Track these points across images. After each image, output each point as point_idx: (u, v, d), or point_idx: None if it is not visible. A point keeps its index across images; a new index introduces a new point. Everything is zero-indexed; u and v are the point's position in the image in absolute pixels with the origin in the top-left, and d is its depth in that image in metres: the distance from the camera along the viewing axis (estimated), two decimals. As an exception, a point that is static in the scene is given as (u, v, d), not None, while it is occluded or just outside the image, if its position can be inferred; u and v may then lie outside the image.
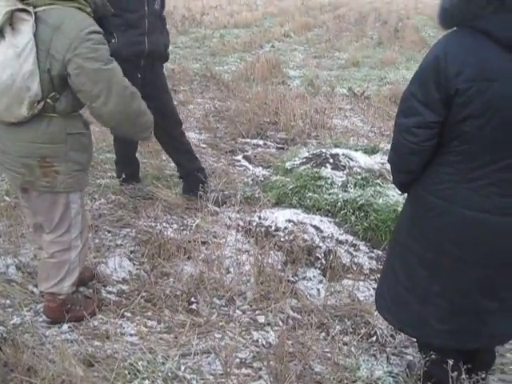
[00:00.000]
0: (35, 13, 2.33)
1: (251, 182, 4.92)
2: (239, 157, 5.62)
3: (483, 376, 2.19)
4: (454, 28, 2.00)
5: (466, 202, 2.01)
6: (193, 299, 3.15)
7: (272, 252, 3.57)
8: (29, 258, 3.51)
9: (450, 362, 2.11)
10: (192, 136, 6.02)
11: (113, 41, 3.62)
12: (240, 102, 7.23)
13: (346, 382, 2.57)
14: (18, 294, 3.16)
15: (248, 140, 6.10)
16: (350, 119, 7.29)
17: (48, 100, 2.43)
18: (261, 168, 5.32)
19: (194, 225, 3.97)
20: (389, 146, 5.64)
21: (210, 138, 6.16)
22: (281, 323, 3.04)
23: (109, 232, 3.94)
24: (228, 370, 2.54)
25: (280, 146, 6.02)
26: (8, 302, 3.10)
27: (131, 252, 3.71)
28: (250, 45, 12.30)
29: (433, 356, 2.27)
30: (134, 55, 3.81)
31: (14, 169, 2.62)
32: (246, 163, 5.45)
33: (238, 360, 2.73)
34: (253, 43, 12.44)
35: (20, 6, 2.31)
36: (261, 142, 6.06)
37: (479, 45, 1.87)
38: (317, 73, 9.80)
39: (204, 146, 5.88)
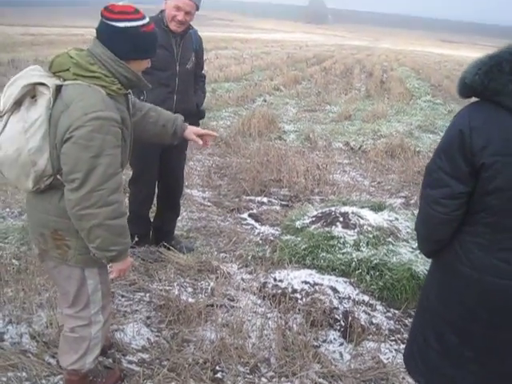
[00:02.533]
0: (60, 87, 2.34)
1: (261, 242, 4.91)
2: (245, 215, 5.63)
3: None
4: (474, 98, 2.05)
5: (496, 271, 2.04)
6: (217, 367, 3.10)
7: (292, 316, 3.56)
8: (43, 326, 3.44)
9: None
10: (196, 194, 6.05)
11: (141, 98, 3.68)
12: (240, 158, 7.30)
13: None
14: (35, 365, 3.07)
15: (252, 197, 6.13)
16: (350, 174, 7.39)
17: (58, 176, 2.37)
18: (268, 226, 5.33)
19: (209, 288, 3.94)
20: (392, 202, 5.76)
21: (214, 195, 6.18)
22: (308, 390, 3.01)
23: (123, 297, 3.89)
24: None
25: (284, 203, 6.06)
26: (24, 374, 3.00)
27: (147, 318, 3.65)
28: (243, 99, 12.48)
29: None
30: None
31: (33, 235, 2.62)
32: (252, 221, 5.46)
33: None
34: (245, 97, 12.62)
35: (42, 79, 2.31)
36: (265, 200, 6.09)
37: (502, 120, 1.92)
38: (311, 127, 9.93)
39: (209, 204, 5.89)
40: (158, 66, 3.77)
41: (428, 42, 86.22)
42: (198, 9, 3.96)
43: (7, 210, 5.19)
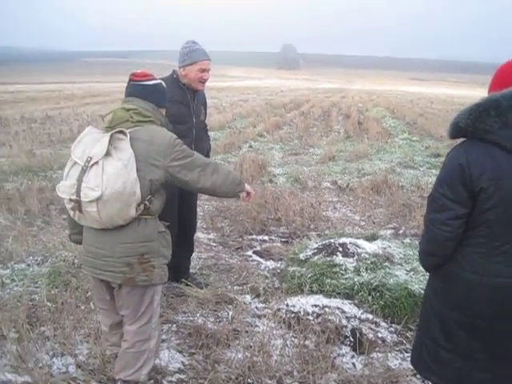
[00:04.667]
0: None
1: (268, 275, 5.39)
2: (250, 252, 6.12)
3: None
4: (463, 139, 2.60)
5: (495, 272, 2.55)
6: (248, 380, 3.54)
7: (307, 335, 4.01)
8: (86, 356, 3.83)
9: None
10: (201, 236, 6.51)
11: None
12: (238, 201, 7.79)
13: None
14: (85, 391, 3.47)
15: (254, 236, 6.63)
16: (341, 210, 7.95)
17: (146, 202, 2.96)
18: (272, 261, 5.81)
19: (229, 316, 4.39)
20: (382, 233, 6.25)
21: (219, 236, 6.66)
22: (329, 396, 3.45)
23: (152, 329, 4.31)
24: None
25: (284, 239, 6.56)
26: (76, 399, 3.41)
27: (178, 345, 4.07)
28: (230, 146, 13.07)
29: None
30: None
31: (114, 269, 3.04)
32: (257, 258, 5.94)
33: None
34: (232, 145, 13.21)
35: (117, 129, 2.90)
36: (266, 238, 6.59)
37: (491, 152, 2.46)
38: (299, 169, 10.52)
39: (214, 244, 6.37)
40: (177, 119, 4.38)
41: (398, 81, 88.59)
42: None
43: (30, 258, 5.57)
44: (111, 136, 2.85)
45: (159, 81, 3.22)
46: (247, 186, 3.48)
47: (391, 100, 34.14)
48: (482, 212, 2.49)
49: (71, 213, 3.01)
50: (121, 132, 2.89)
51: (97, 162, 2.82)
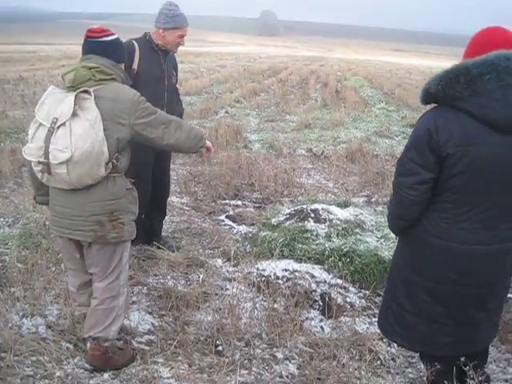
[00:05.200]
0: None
1: (240, 239, 5.41)
2: (222, 217, 6.13)
3: (483, 372, 2.73)
4: (434, 104, 2.61)
5: (460, 239, 2.59)
6: (217, 342, 3.58)
7: (277, 298, 4.06)
8: (56, 317, 3.83)
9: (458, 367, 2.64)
10: (174, 200, 6.49)
11: None
12: (212, 166, 7.80)
13: (363, 399, 3.04)
14: (54, 350, 3.46)
15: (227, 201, 6.64)
16: (315, 177, 7.98)
17: (113, 160, 2.97)
18: (245, 226, 5.83)
19: (199, 279, 4.41)
20: (355, 200, 6.32)
21: (192, 200, 6.66)
22: (296, 357, 3.51)
23: (123, 290, 4.32)
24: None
25: (257, 205, 6.59)
26: (46, 358, 3.39)
27: (148, 306, 4.09)
28: (206, 111, 12.97)
29: (437, 366, 2.78)
30: None
31: (84, 228, 3.06)
32: (230, 222, 5.96)
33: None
34: (208, 110, 13.11)
35: (81, 88, 2.86)
36: (239, 203, 6.61)
37: (459, 118, 2.48)
38: (274, 136, 10.49)
39: (187, 208, 6.37)
40: (150, 82, 4.34)
41: (379, 51, 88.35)
42: None
43: (1, 219, 5.51)
44: (76, 96, 2.83)
45: (116, 36, 3.18)
46: (207, 142, 3.56)
47: (370, 70, 34.02)
48: (448, 178, 2.52)
49: (39, 175, 3.00)
50: (85, 91, 2.87)
51: (64, 123, 2.80)
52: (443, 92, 2.49)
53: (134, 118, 2.99)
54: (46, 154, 2.83)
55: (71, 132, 2.79)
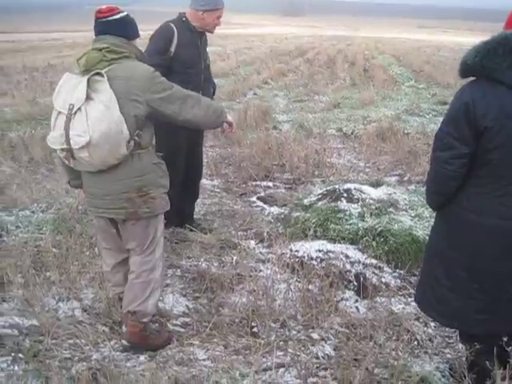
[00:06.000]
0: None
1: (272, 220, 5.39)
2: (254, 198, 6.11)
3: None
4: (472, 78, 2.54)
5: (498, 214, 2.54)
6: (253, 324, 3.57)
7: (311, 279, 4.03)
8: (92, 301, 3.87)
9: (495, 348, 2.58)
10: (205, 182, 6.49)
11: None
12: (242, 148, 7.77)
13: (402, 378, 3.00)
14: (91, 333, 3.50)
15: (258, 182, 6.62)
16: (346, 157, 7.91)
17: (135, 138, 2.98)
18: (276, 207, 5.80)
19: (233, 261, 4.40)
20: (387, 179, 6.24)
21: (222, 182, 6.66)
22: (332, 337, 3.49)
23: (157, 273, 4.34)
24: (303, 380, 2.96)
25: (288, 185, 6.56)
26: (83, 341, 3.42)
27: (182, 289, 4.11)
28: (234, 93, 12.90)
29: (477, 346, 2.73)
30: None
31: (115, 206, 3.11)
32: (261, 204, 5.94)
33: (303, 372, 3.14)
34: (236, 92, 13.04)
35: (93, 71, 2.88)
36: (270, 184, 6.59)
37: (497, 92, 2.41)
38: (304, 116, 10.40)
39: (218, 190, 6.37)
40: (188, 63, 4.40)
41: (405, 28, 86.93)
42: None
43: (35, 205, 5.57)
44: (88, 79, 2.85)
45: (125, 13, 3.15)
46: (229, 117, 3.54)
47: (398, 48, 33.51)
48: (486, 152, 2.46)
49: (66, 161, 3.06)
50: (97, 74, 2.89)
51: (79, 108, 2.84)
52: (480, 64, 2.42)
53: (149, 94, 2.99)
54: (68, 141, 2.88)
55: (87, 116, 2.83)
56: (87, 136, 2.82)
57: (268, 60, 21.18)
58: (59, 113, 2.92)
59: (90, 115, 2.83)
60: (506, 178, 2.49)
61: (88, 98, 2.83)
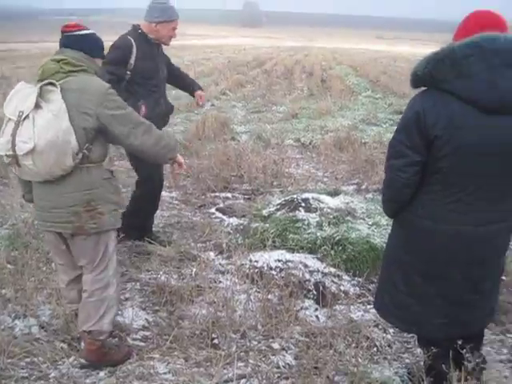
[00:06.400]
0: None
1: (231, 231, 5.39)
2: (213, 210, 6.11)
3: (480, 354, 2.74)
4: (423, 88, 2.60)
5: (449, 220, 2.60)
6: (213, 335, 3.56)
7: (271, 289, 4.04)
8: (49, 317, 3.80)
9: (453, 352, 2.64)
10: (164, 194, 6.41)
11: (139, 103, 4.39)
12: (200, 159, 7.76)
13: (362, 385, 3.04)
14: (48, 350, 3.43)
15: (217, 194, 6.61)
16: (304, 167, 7.98)
17: (84, 151, 2.96)
18: (235, 218, 5.81)
19: (192, 273, 4.38)
20: (345, 188, 6.32)
21: (181, 194, 6.63)
22: (293, 347, 3.51)
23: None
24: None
25: (247, 196, 6.57)
26: (40, 358, 3.36)
27: (142, 302, 4.07)
28: (192, 104, 12.81)
29: (434, 350, 2.78)
30: (156, 116, 4.39)
31: (62, 220, 3.07)
32: (220, 215, 5.94)
33: (265, 382, 3.15)
34: (194, 103, 12.98)
35: (46, 81, 2.89)
36: (229, 195, 6.59)
37: (447, 101, 2.47)
38: (262, 127, 10.46)
39: (177, 202, 6.35)
40: (148, 74, 4.43)
41: (363, 39, 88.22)
42: None
43: (-11, 221, 5.45)
44: (41, 88, 2.86)
45: (92, 31, 3.20)
46: (179, 156, 3.44)
47: (355, 58, 33.98)
48: (437, 160, 2.52)
49: (12, 169, 3.06)
50: (51, 83, 2.89)
51: (28, 116, 2.83)
52: (430, 75, 2.49)
53: (101, 108, 2.96)
54: (13, 147, 2.86)
55: (34, 123, 2.82)
56: (32, 143, 2.81)
57: (226, 71, 21.21)
58: (9, 120, 2.90)
59: (36, 123, 2.82)
60: (456, 185, 2.55)
61: (37, 106, 2.83)
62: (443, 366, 2.72)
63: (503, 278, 4.24)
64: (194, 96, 5.30)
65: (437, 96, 2.50)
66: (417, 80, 2.60)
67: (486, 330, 3.58)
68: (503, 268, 2.92)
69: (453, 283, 2.70)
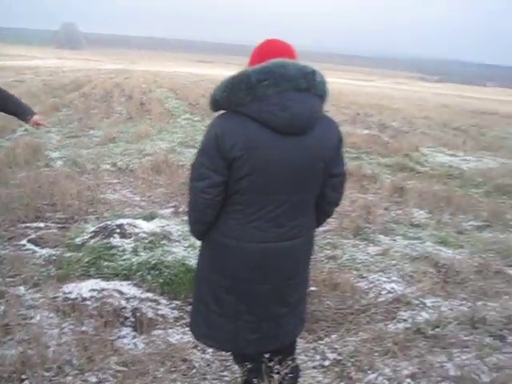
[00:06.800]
0: None
1: (44, 263, 5.14)
2: (24, 241, 5.76)
3: (292, 364, 2.86)
4: (222, 111, 2.72)
5: (251, 237, 2.72)
6: (23, 376, 3.36)
7: (85, 320, 3.93)
8: None
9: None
10: (-34, 229, 6.00)
11: None
12: (10, 188, 7.32)
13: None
14: None
15: (28, 224, 6.25)
16: (121, 192, 7.84)
17: None
18: (48, 249, 5.53)
19: (1, 311, 4.11)
20: (162, 212, 6.34)
21: (-13, 227, 6.18)
22: (111, 378, 3.43)
23: None
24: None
25: (61, 225, 6.29)
26: None
27: None
28: (2, 130, 12.12)
29: (248, 365, 2.90)
30: None
31: None
32: (32, 246, 5.62)
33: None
34: (4, 128, 12.25)
35: None
36: (42, 225, 6.25)
37: (244, 124, 2.60)
38: (77, 152, 10.15)
39: (-18, 236, 5.90)
40: None
41: (186, 62, 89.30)
42: None
43: None
44: None
45: None
46: None
47: (175, 81, 34.22)
48: (237, 180, 2.63)
49: None
50: None
51: None
52: (228, 99, 2.60)
53: None
54: None
55: None
56: None
57: (41, 94, 20.30)
58: None
59: None
60: (256, 204, 2.68)
61: None
62: (255, 380, 2.84)
63: (312, 288, 4.54)
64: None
65: (235, 118, 2.61)
66: (216, 104, 2.71)
67: (299, 340, 3.81)
68: (307, 279, 3.11)
69: (261, 299, 2.82)
